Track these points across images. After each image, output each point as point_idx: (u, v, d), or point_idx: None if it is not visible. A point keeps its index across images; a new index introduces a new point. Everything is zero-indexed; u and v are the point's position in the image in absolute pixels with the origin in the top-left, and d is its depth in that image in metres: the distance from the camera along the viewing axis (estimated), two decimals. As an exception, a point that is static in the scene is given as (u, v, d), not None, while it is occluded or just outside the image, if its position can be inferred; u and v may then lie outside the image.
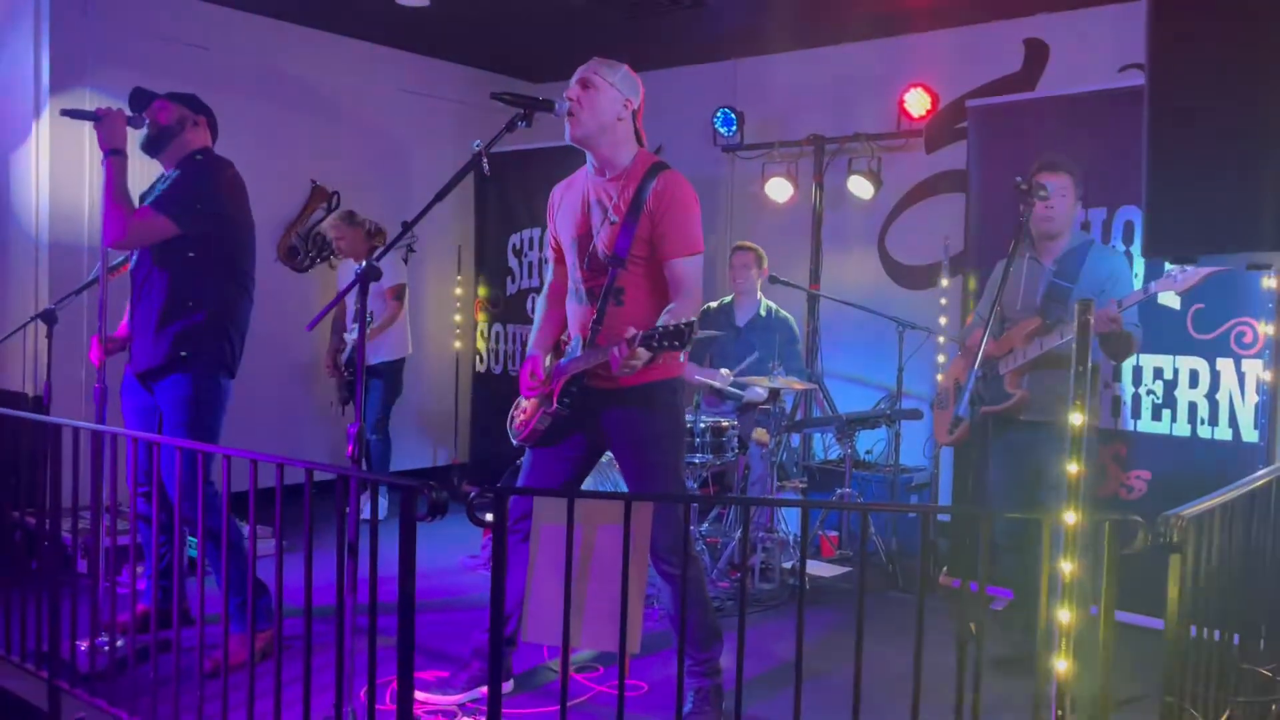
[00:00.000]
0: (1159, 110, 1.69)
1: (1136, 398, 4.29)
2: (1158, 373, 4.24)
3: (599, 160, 3.10)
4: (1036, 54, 5.67)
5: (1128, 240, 4.31)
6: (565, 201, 3.24)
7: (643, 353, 2.69)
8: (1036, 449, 3.53)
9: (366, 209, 6.78)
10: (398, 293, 5.83)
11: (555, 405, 3.07)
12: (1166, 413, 4.22)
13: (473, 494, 2.03)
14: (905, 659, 2.48)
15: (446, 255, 7.11)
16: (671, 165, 3.12)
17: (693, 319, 2.66)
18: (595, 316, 3.04)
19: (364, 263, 2.67)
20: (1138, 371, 4.29)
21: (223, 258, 3.55)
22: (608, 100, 3.03)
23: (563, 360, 3.14)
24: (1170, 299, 4.19)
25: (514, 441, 3.35)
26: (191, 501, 3.33)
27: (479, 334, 6.88)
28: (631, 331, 2.69)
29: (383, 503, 5.69)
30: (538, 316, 3.38)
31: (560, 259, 3.30)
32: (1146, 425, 4.28)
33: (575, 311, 3.18)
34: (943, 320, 5.55)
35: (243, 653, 3.14)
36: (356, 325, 5.45)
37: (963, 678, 2.11)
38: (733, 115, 6.36)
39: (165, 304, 3.48)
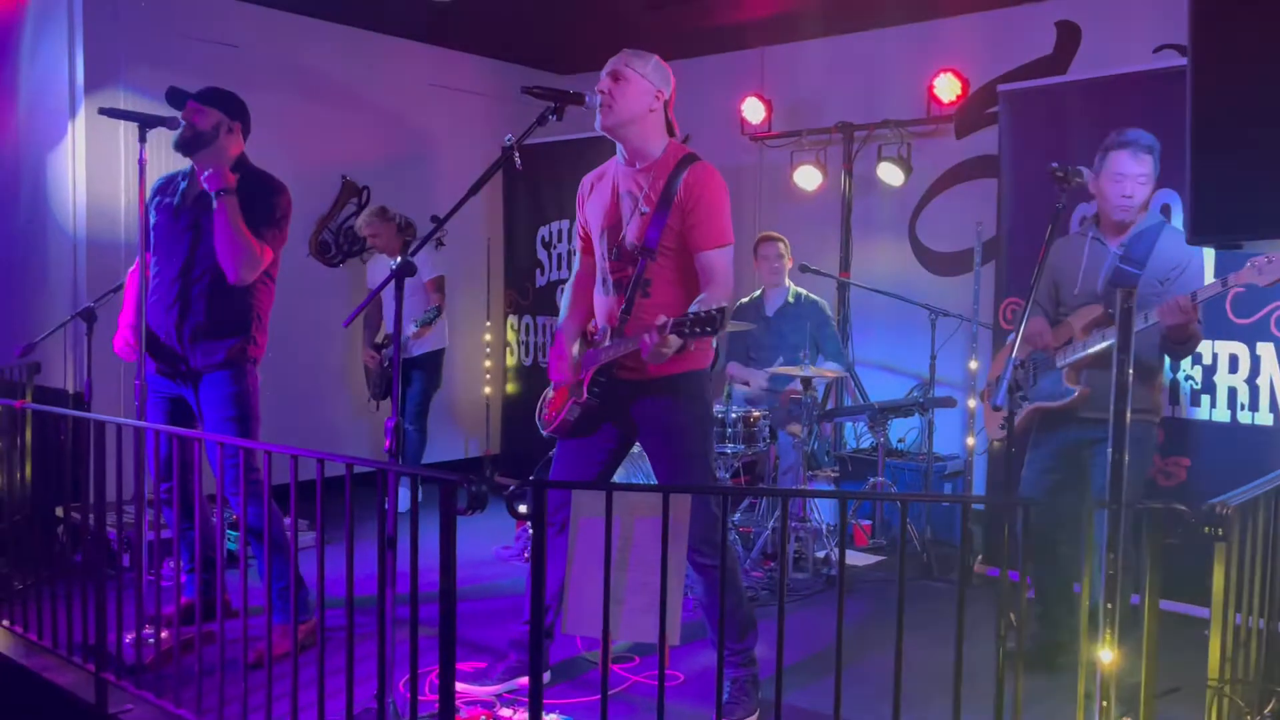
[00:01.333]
0: (1202, 91, 1.65)
1: (1175, 383, 4.24)
2: (1196, 358, 4.18)
3: (629, 151, 3.10)
4: (1069, 36, 5.60)
5: (1164, 224, 4.25)
6: (595, 191, 3.25)
7: (674, 340, 2.70)
8: (1092, 454, 3.34)
9: (396, 203, 6.81)
10: (438, 284, 5.87)
11: (585, 395, 3.08)
12: (1205, 398, 4.17)
13: (511, 487, 2.04)
14: (941, 648, 2.49)
15: (476, 248, 7.14)
16: (700, 155, 3.12)
17: (724, 305, 2.66)
18: (623, 307, 3.04)
19: (399, 258, 2.70)
20: (1175, 357, 4.23)
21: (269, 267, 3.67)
22: (638, 91, 3.04)
23: (592, 350, 3.14)
24: (1209, 282, 4.13)
25: (543, 433, 3.36)
26: (239, 495, 3.38)
27: (509, 326, 6.91)
28: (663, 319, 2.69)
29: (404, 494, 5.68)
30: (565, 304, 3.39)
31: (588, 248, 3.31)
32: (1185, 411, 4.23)
33: (602, 302, 3.19)
34: (975, 306, 5.50)
35: (285, 643, 3.18)
36: (409, 320, 5.52)
37: (1002, 669, 2.10)
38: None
39: (217, 307, 3.57)
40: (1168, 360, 3.63)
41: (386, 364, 5.87)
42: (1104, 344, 3.18)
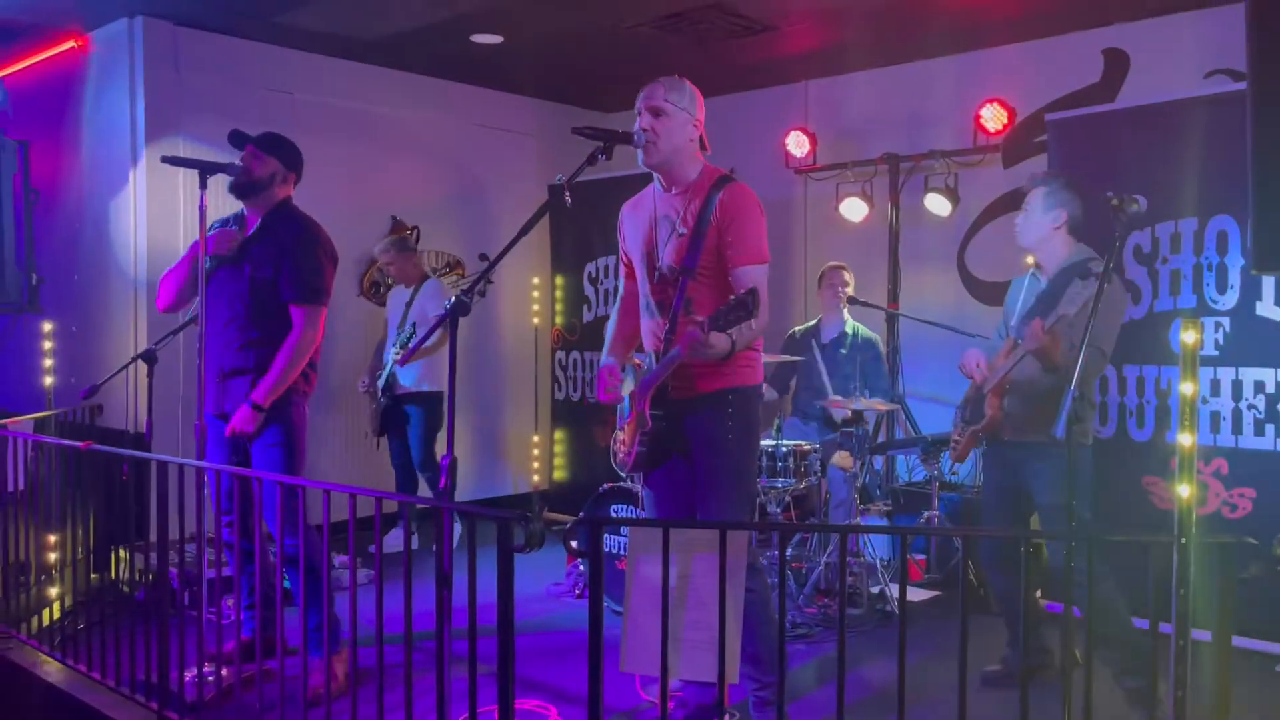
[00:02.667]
0: (1265, 117, 1.63)
1: (1237, 412, 4.15)
2: (1258, 386, 4.10)
3: (668, 179, 3.15)
4: (1116, 64, 5.56)
5: (1221, 251, 4.19)
6: (634, 219, 3.30)
7: (718, 339, 2.73)
8: (1019, 468, 3.57)
9: (444, 242, 6.93)
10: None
11: (650, 424, 3.08)
12: (1270, 428, 4.07)
13: (568, 524, 2.05)
14: (1000, 684, 2.44)
15: (523, 284, 7.21)
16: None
17: (754, 288, 2.67)
18: (668, 327, 3.06)
19: (453, 297, 2.73)
20: (1237, 385, 4.15)
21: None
22: (679, 124, 3.08)
23: (644, 378, 3.15)
24: (1270, 309, 4.06)
25: (623, 473, 3.38)
26: (288, 532, 3.41)
27: (556, 362, 6.95)
28: (700, 318, 2.74)
29: (396, 535, 5.47)
30: (610, 327, 3.43)
31: (631, 274, 3.36)
32: (1249, 441, 4.13)
33: (648, 326, 3.21)
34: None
35: (317, 679, 3.17)
36: (394, 348, 5.54)
37: (1069, 705, 2.06)
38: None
39: (262, 348, 3.61)
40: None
41: (383, 400, 5.79)
42: (1003, 372, 3.48)
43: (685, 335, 2.79)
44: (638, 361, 3.26)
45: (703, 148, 3.18)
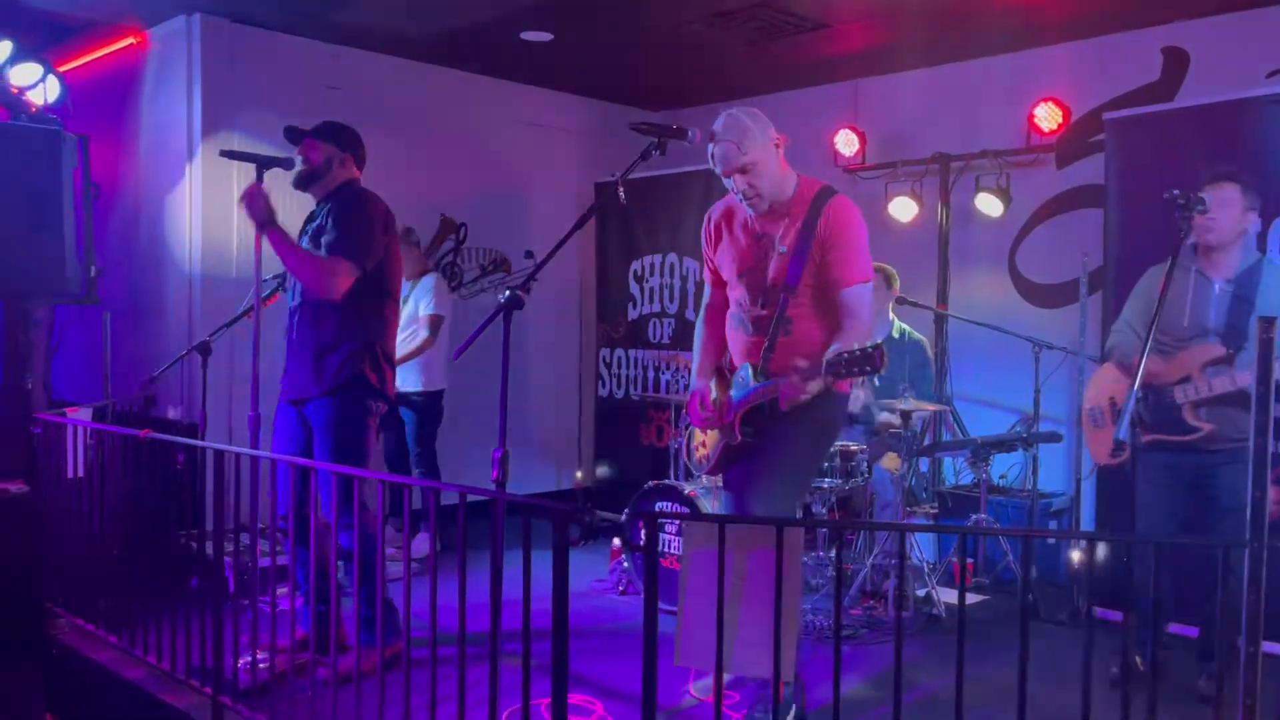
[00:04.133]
0: None
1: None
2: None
3: (776, 200, 3.10)
4: (1175, 62, 5.46)
5: (1283, 252, 4.10)
6: (727, 233, 3.24)
7: (814, 386, 2.71)
8: (1216, 474, 3.34)
9: (492, 239, 6.96)
10: (432, 323, 5.59)
11: (739, 437, 3.06)
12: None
13: (624, 518, 2.05)
14: (1052, 692, 2.41)
15: (568, 281, 7.23)
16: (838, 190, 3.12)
17: (879, 343, 2.63)
18: (766, 345, 3.03)
19: (508, 291, 2.75)
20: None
21: (374, 287, 3.70)
22: (766, 161, 3.04)
23: (736, 394, 3.12)
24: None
25: (703, 475, 3.38)
26: (342, 524, 3.43)
27: (600, 359, 6.96)
28: (802, 362, 2.70)
29: (424, 539, 5.49)
30: (698, 342, 3.38)
31: (718, 282, 3.32)
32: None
33: (742, 340, 3.17)
34: (1081, 339, 5.36)
35: (367, 665, 3.21)
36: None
37: (1128, 716, 2.03)
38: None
39: (320, 334, 3.64)
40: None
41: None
42: (1233, 389, 3.23)
43: (787, 388, 2.78)
44: (730, 366, 3.23)
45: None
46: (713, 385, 3.23)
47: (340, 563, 3.71)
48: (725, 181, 3.09)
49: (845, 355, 2.63)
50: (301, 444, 3.74)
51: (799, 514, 3.29)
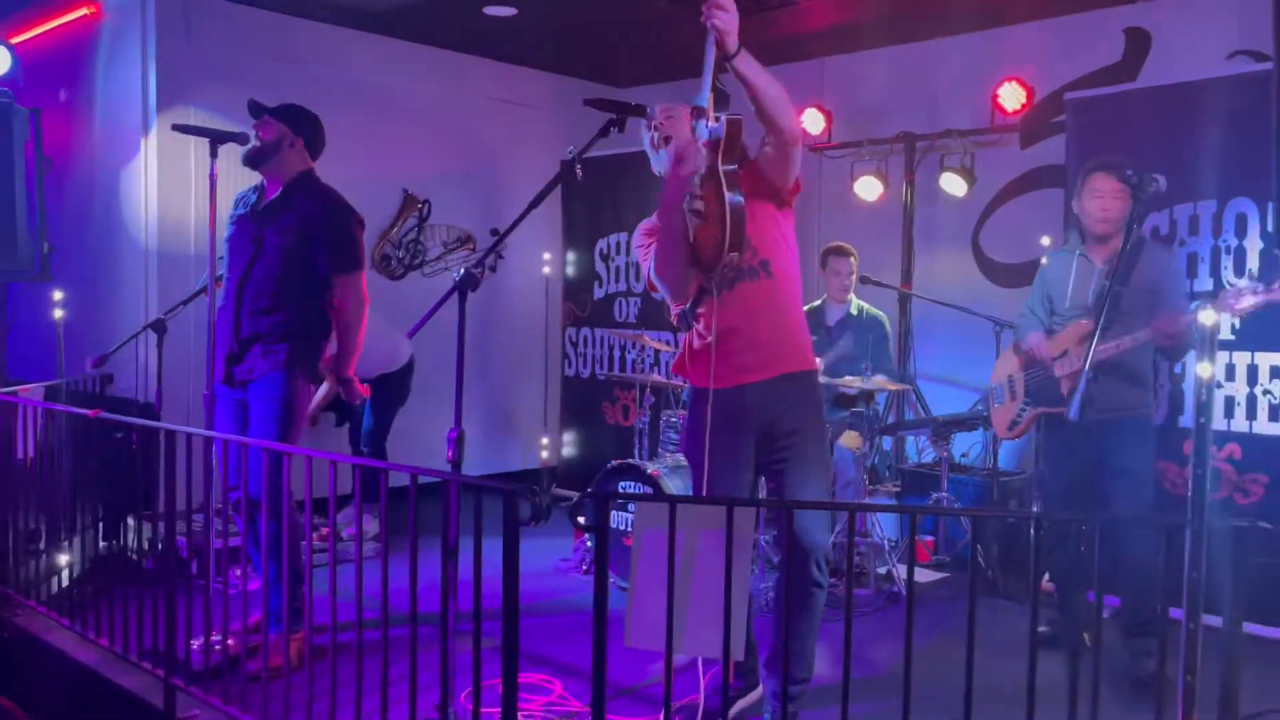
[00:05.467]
0: None
1: (1252, 398, 4.11)
2: (1275, 372, 4.06)
3: None
4: (1138, 43, 5.48)
5: (1240, 233, 4.13)
6: None
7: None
8: (1100, 441, 3.54)
9: (456, 216, 6.90)
10: None
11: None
12: (1285, 413, 4.04)
13: (576, 499, 2.04)
14: (1008, 668, 2.43)
15: (534, 260, 7.18)
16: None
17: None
18: None
19: (463, 270, 2.72)
20: (1253, 370, 4.11)
21: (343, 277, 3.71)
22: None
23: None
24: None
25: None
26: (269, 501, 3.36)
27: (566, 338, 6.94)
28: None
29: (373, 520, 5.21)
30: None
31: None
32: (1263, 427, 4.09)
33: None
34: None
35: (278, 657, 3.10)
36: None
37: (1076, 689, 2.05)
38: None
39: (267, 318, 3.59)
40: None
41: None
42: (1102, 354, 3.39)
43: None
44: None
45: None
46: None
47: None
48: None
49: None
50: (237, 427, 3.69)
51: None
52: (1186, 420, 4.25)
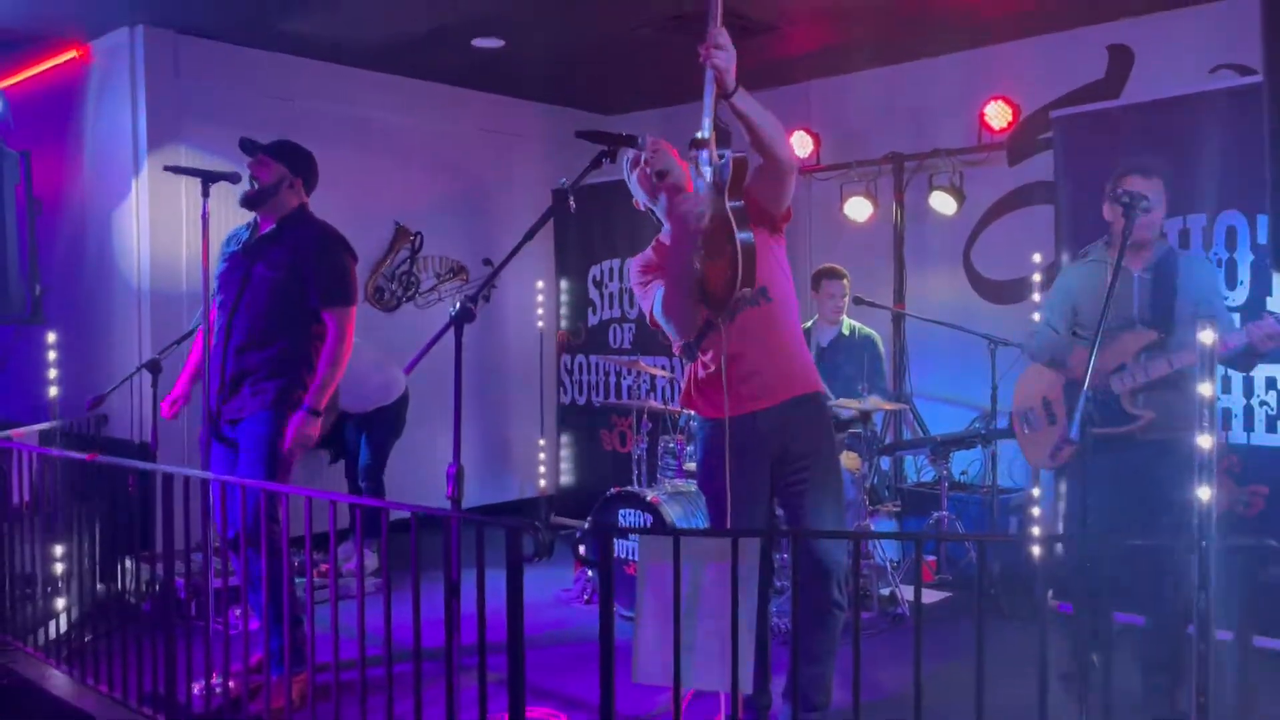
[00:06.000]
0: None
1: (1249, 409, 4.12)
2: (1270, 383, 4.07)
3: None
4: (1120, 60, 5.52)
5: (1230, 247, 4.16)
6: None
7: None
8: (1155, 468, 3.28)
9: (449, 247, 6.91)
10: None
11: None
12: (1282, 424, 4.05)
13: (578, 533, 2.03)
14: (1014, 688, 2.42)
15: (527, 288, 7.19)
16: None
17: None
18: None
19: (458, 304, 2.71)
20: (1249, 382, 4.12)
21: (334, 314, 3.69)
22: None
23: None
24: (1277, 305, 4.03)
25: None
26: (268, 541, 3.34)
27: (562, 366, 6.93)
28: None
29: (369, 555, 5.10)
30: None
31: None
32: (1261, 438, 4.10)
33: None
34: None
35: (280, 698, 3.09)
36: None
37: (1084, 708, 2.03)
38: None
39: (257, 355, 3.58)
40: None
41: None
42: (1169, 370, 3.23)
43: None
44: None
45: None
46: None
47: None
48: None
49: None
50: (232, 466, 3.66)
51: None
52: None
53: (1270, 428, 4.08)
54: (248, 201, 3.63)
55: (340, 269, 3.66)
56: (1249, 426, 4.12)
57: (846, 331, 5.34)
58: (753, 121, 2.76)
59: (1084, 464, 2.48)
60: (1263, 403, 4.09)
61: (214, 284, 3.75)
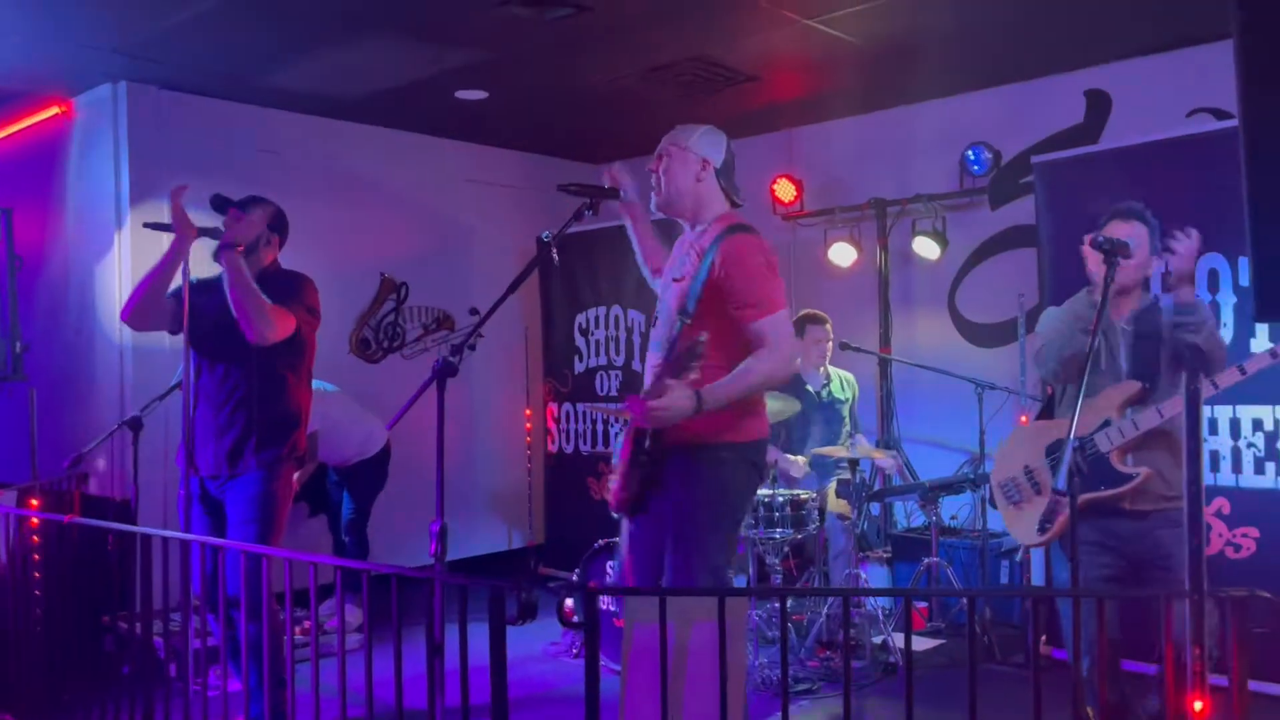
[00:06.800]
0: (1258, 154, 1.58)
1: (1236, 451, 4.11)
2: (1257, 424, 4.06)
3: (689, 221, 3.14)
4: (1098, 104, 5.59)
5: (1213, 289, 4.17)
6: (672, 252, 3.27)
7: (676, 399, 2.71)
8: (1144, 539, 3.09)
9: (434, 297, 6.90)
10: None
11: (624, 458, 2.97)
12: (1270, 466, 4.03)
13: (560, 593, 1.99)
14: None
15: (513, 336, 7.18)
16: (752, 227, 3.07)
17: (700, 338, 2.67)
18: (660, 370, 2.89)
19: (441, 359, 2.69)
20: (1235, 424, 4.12)
21: (300, 359, 3.65)
22: (681, 164, 3.08)
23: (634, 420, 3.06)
24: (1264, 346, 4.03)
25: (614, 514, 3.23)
26: (253, 604, 3.29)
27: (549, 415, 6.89)
28: (671, 382, 2.73)
29: (356, 610, 5.07)
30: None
31: None
32: (1250, 480, 4.09)
33: (650, 360, 3.11)
34: (1022, 378, 5.41)
35: None
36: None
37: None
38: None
39: (249, 407, 3.55)
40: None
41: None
42: (1160, 421, 3.04)
43: (631, 402, 2.76)
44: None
45: (731, 200, 3.13)
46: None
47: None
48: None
49: (674, 354, 2.74)
50: (215, 524, 3.61)
51: (728, 574, 3.13)
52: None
53: (1258, 469, 4.07)
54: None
55: (302, 291, 3.69)
56: (1237, 469, 4.11)
57: (832, 378, 5.36)
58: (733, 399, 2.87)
59: (1073, 525, 2.42)
60: (1250, 444, 4.08)
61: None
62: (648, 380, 3.08)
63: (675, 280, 3.05)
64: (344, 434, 5.27)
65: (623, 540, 3.16)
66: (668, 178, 3.08)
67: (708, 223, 3.07)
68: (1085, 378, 2.61)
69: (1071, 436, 2.37)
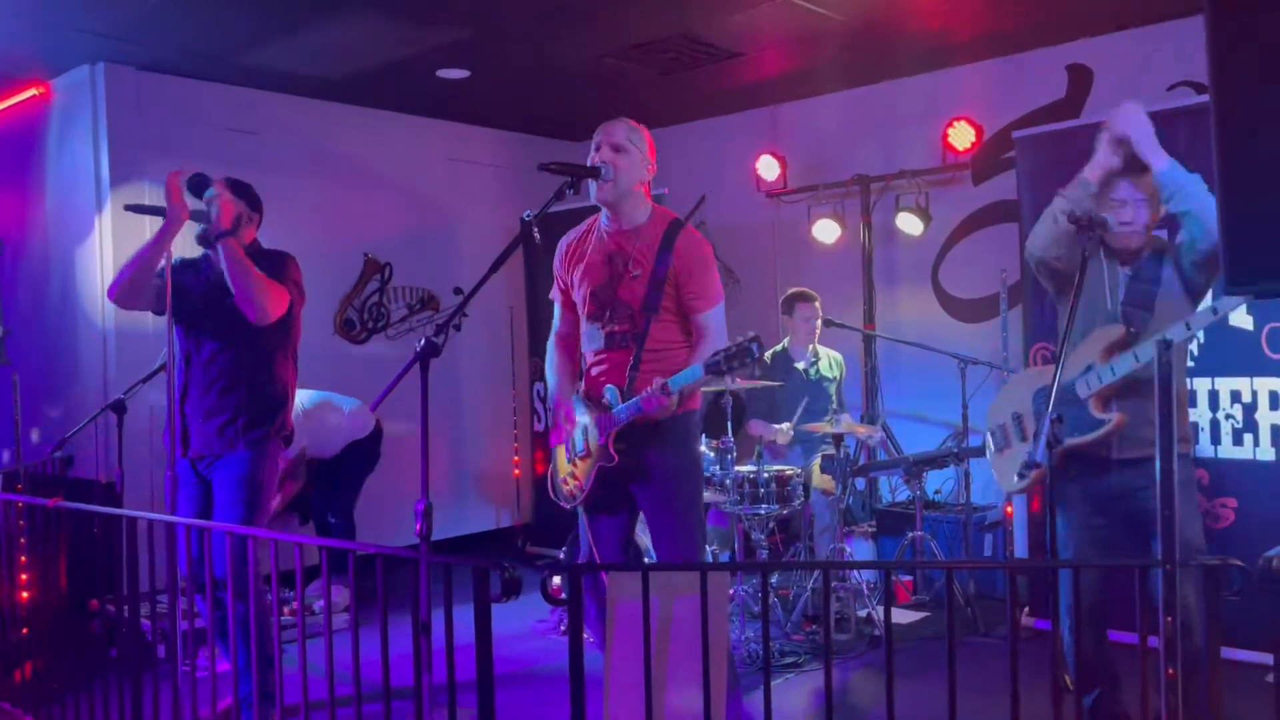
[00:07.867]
0: (1228, 128, 1.58)
1: (1215, 423, 4.15)
2: (1235, 396, 4.11)
3: (620, 217, 3.17)
4: (1080, 79, 5.60)
5: (1192, 262, 4.20)
6: (578, 253, 3.30)
7: (672, 401, 2.91)
8: (1136, 495, 2.97)
9: (419, 277, 6.88)
10: None
11: (615, 458, 3.06)
12: (1248, 437, 4.08)
13: (545, 572, 2.01)
14: (991, 708, 2.41)
15: (498, 317, 7.17)
16: (711, 214, 3.18)
17: (755, 335, 2.79)
18: (632, 364, 3.09)
19: (424, 340, 2.69)
20: (1214, 395, 4.16)
21: (287, 338, 3.67)
22: (635, 164, 3.14)
23: (604, 415, 3.11)
24: (1242, 318, 4.07)
25: (567, 506, 3.33)
26: (240, 584, 3.30)
27: (535, 393, 6.90)
28: (658, 380, 2.89)
29: (339, 589, 4.99)
30: (552, 368, 3.44)
31: (568, 304, 3.38)
32: (1228, 451, 4.13)
33: (604, 359, 3.19)
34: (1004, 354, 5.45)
35: None
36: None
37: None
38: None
39: (238, 387, 3.55)
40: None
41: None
42: (1136, 366, 2.90)
43: (650, 399, 2.91)
44: (591, 389, 3.22)
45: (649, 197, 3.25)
46: (580, 408, 3.20)
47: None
48: (592, 154, 3.15)
49: (722, 352, 2.80)
50: (201, 505, 3.62)
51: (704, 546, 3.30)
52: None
53: (1237, 440, 4.11)
54: (205, 239, 3.61)
55: (287, 269, 3.70)
56: (1215, 440, 4.16)
57: (819, 354, 5.39)
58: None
59: (1050, 489, 2.44)
60: (1228, 416, 4.13)
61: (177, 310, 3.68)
62: (609, 378, 3.14)
63: (631, 277, 3.11)
64: (331, 435, 5.31)
65: (586, 532, 3.33)
66: (625, 173, 3.11)
67: (640, 221, 3.15)
68: (1063, 345, 2.62)
69: (1050, 411, 2.39)
